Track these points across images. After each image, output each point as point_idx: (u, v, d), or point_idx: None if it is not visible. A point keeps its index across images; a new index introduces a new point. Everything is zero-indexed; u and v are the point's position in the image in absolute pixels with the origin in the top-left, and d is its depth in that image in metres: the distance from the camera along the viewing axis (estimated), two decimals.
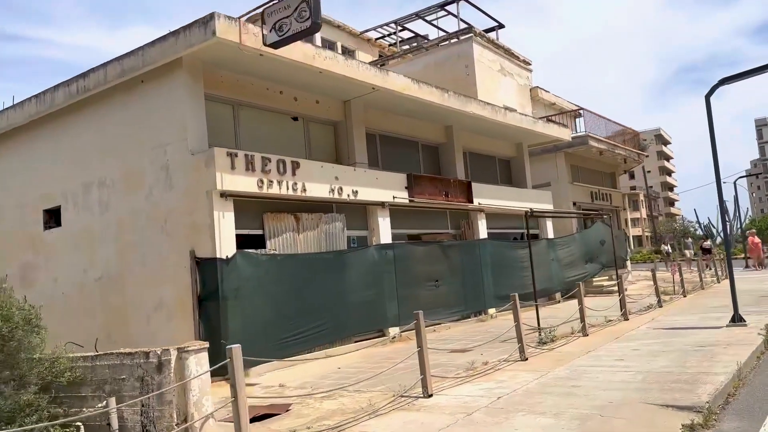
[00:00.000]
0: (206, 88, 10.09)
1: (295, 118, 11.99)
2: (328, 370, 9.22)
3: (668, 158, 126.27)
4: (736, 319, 10.11)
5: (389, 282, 11.99)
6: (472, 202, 14.88)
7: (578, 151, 20.52)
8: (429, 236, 14.23)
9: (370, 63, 16.28)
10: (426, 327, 13.25)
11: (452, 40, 20.15)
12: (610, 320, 12.24)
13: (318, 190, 10.79)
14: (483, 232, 15.50)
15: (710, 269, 23.60)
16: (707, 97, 10.17)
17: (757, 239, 26.59)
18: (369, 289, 11.58)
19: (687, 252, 31.70)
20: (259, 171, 9.75)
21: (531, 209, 12.22)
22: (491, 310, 14.90)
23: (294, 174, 10.33)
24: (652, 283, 18.72)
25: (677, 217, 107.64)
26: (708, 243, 28.04)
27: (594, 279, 19.93)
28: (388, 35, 24.40)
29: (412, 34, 23.84)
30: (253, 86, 10.98)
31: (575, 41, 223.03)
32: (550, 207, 18.34)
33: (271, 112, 11.53)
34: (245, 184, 9.56)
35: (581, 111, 23.74)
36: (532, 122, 17.03)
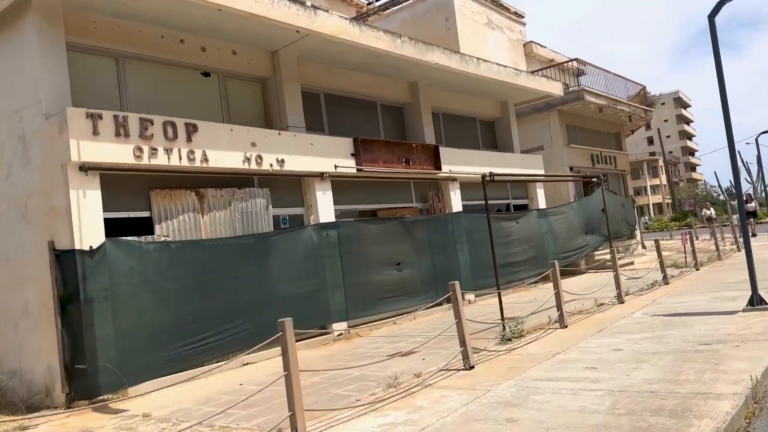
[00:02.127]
0: (73, 35, 8.03)
1: (206, 74, 9.87)
2: (229, 386, 7.26)
3: (688, 122, 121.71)
4: (755, 302, 7.90)
5: (333, 269, 9.89)
6: (440, 170, 12.69)
7: (574, 109, 18.11)
8: (387, 212, 12.11)
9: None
10: (383, 319, 11.39)
11: None
12: (602, 304, 10.10)
13: (227, 159, 8.73)
14: (457, 204, 13.34)
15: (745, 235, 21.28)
16: (710, 18, 7.84)
17: None
18: (305, 279, 9.47)
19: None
20: (136, 137, 7.69)
21: (490, 173, 9.95)
22: (469, 296, 12.81)
23: (190, 140, 8.26)
24: (668, 252, 16.51)
25: (699, 182, 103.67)
26: (753, 205, 23.42)
27: (596, 252, 17.68)
28: None
29: None
30: (141, 33, 8.88)
31: (596, 9, 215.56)
32: (540, 173, 16.08)
33: (173, 67, 9.42)
34: (117, 153, 7.52)
35: (582, 67, 21.23)
36: (513, 75, 14.67)
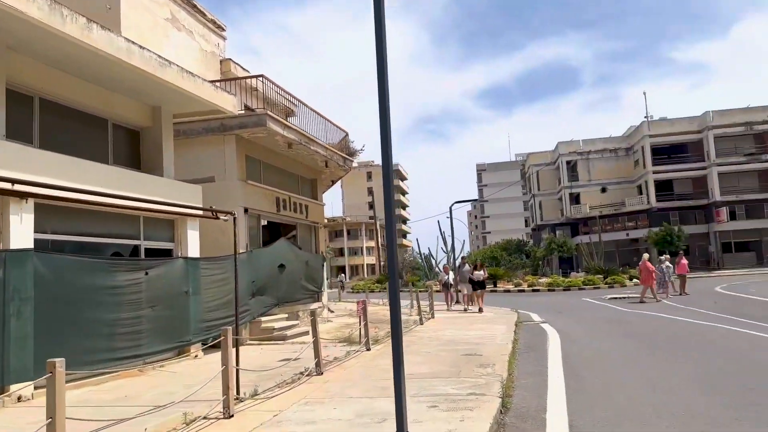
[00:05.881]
0: None
1: None
2: None
3: (404, 193, 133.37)
4: None
5: None
6: None
7: (258, 139, 14.64)
8: None
9: None
10: None
11: None
12: (195, 420, 6.08)
13: None
14: (25, 237, 8.28)
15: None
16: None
17: (649, 264, 21.25)
18: None
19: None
20: None
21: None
22: (25, 390, 7.68)
23: None
24: (356, 319, 13.52)
25: (408, 248, 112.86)
26: (481, 273, 19.79)
27: (264, 318, 14.06)
28: None
29: None
30: None
31: (335, 80, 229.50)
32: (196, 209, 11.93)
33: None
34: None
35: (296, 106, 18.21)
36: (156, 63, 10.42)
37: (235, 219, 8.29)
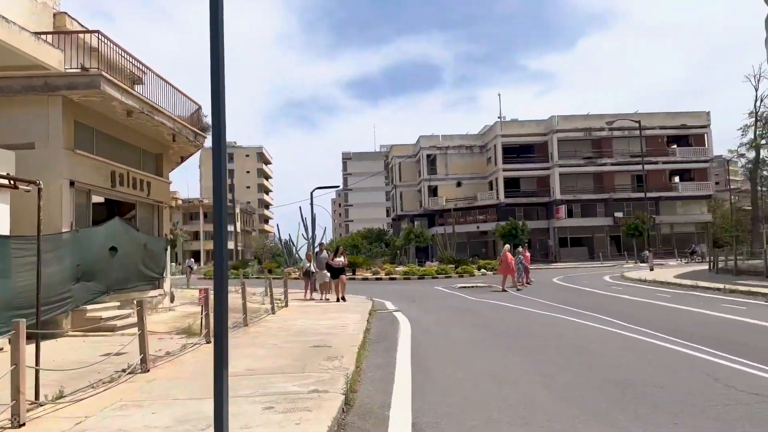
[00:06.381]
0: None
1: None
2: None
3: (267, 177, 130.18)
4: None
5: None
6: None
7: (91, 103, 12.85)
8: None
9: None
10: None
11: None
12: None
13: None
14: None
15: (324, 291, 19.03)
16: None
17: (509, 254, 22.38)
18: None
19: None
20: None
21: None
22: None
23: None
24: (199, 308, 12.33)
25: (270, 234, 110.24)
26: (341, 259, 19.05)
27: (90, 307, 12.45)
28: None
29: None
30: None
31: (199, 53, 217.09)
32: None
33: None
34: None
35: (144, 73, 16.28)
36: None
37: (40, 190, 6.97)
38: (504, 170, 60.66)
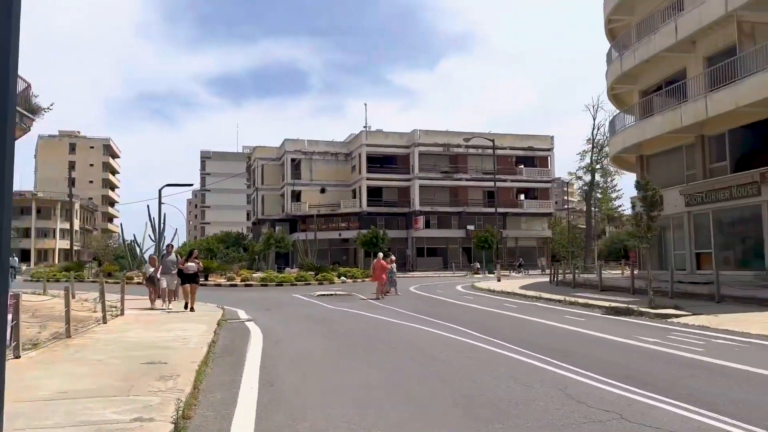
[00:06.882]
0: None
1: None
2: None
3: (114, 172, 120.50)
4: None
5: None
6: None
7: None
8: None
9: None
10: None
11: None
12: None
13: None
14: None
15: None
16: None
17: (383, 262, 22.71)
18: None
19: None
20: None
21: None
22: None
23: None
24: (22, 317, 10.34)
25: (115, 234, 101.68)
26: (193, 264, 17.00)
27: None
28: None
29: None
30: None
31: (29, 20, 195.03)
32: None
33: None
34: None
35: None
36: None
37: None
38: (368, 179, 61.37)
